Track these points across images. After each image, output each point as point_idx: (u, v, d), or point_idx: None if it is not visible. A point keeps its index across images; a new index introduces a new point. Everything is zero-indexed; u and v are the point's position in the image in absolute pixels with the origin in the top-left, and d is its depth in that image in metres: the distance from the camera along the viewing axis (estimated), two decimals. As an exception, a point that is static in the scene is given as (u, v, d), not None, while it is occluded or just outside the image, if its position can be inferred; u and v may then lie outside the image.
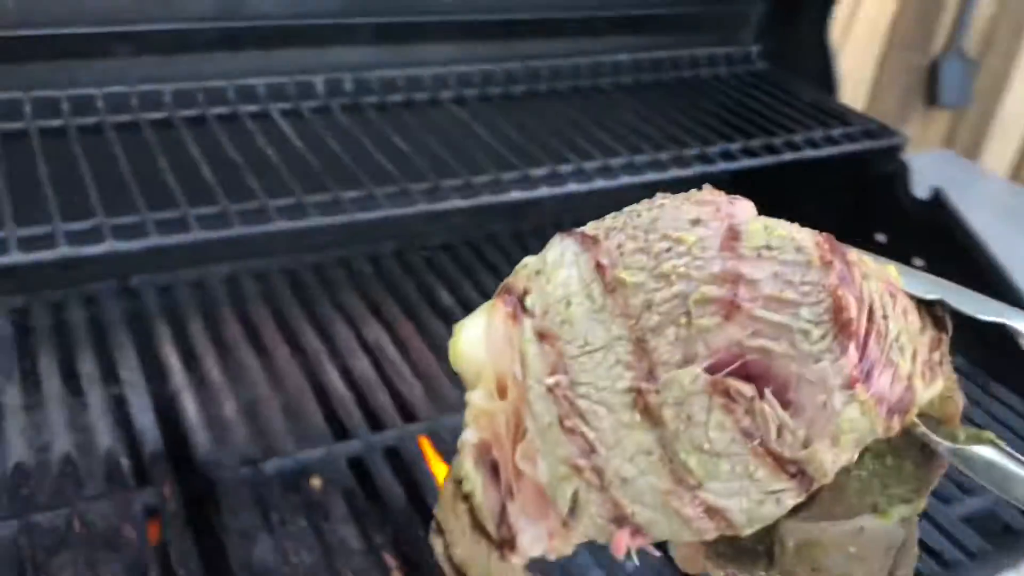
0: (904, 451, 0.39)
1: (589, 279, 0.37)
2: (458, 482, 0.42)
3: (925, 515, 0.92)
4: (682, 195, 0.40)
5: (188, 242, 0.83)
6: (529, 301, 0.38)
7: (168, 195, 0.85)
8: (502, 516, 0.41)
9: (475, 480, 0.41)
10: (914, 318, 0.37)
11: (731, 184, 1.45)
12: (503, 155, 1.02)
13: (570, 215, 1.32)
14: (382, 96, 1.09)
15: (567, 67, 1.23)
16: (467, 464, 0.41)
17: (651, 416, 0.35)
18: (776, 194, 1.44)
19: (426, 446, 0.92)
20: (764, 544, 0.38)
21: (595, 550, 0.82)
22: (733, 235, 0.36)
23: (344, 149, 0.97)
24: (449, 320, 1.09)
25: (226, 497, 0.80)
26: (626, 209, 0.40)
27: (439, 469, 0.90)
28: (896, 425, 0.35)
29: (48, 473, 0.81)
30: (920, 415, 0.37)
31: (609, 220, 0.40)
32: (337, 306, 1.09)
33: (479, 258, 1.23)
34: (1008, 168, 2.11)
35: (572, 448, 0.36)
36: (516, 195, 0.96)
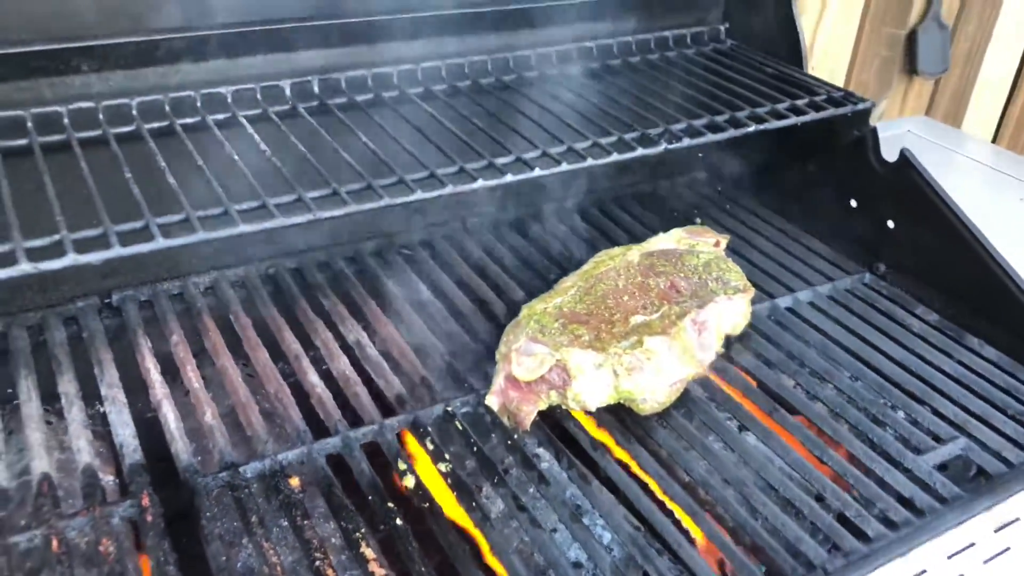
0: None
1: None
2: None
3: (897, 465, 0.92)
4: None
5: (156, 250, 0.83)
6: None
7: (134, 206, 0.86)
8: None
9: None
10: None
11: (706, 158, 1.45)
12: (465, 146, 1.03)
13: (545, 197, 1.32)
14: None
15: (532, 57, 1.23)
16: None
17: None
18: (757, 165, 1.44)
19: (409, 438, 0.93)
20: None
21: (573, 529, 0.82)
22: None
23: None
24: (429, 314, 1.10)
25: (206, 504, 0.81)
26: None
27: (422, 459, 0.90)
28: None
29: (27, 495, 0.81)
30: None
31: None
32: (316, 308, 1.09)
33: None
34: (990, 132, 2.10)
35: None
36: (481, 183, 0.96)
